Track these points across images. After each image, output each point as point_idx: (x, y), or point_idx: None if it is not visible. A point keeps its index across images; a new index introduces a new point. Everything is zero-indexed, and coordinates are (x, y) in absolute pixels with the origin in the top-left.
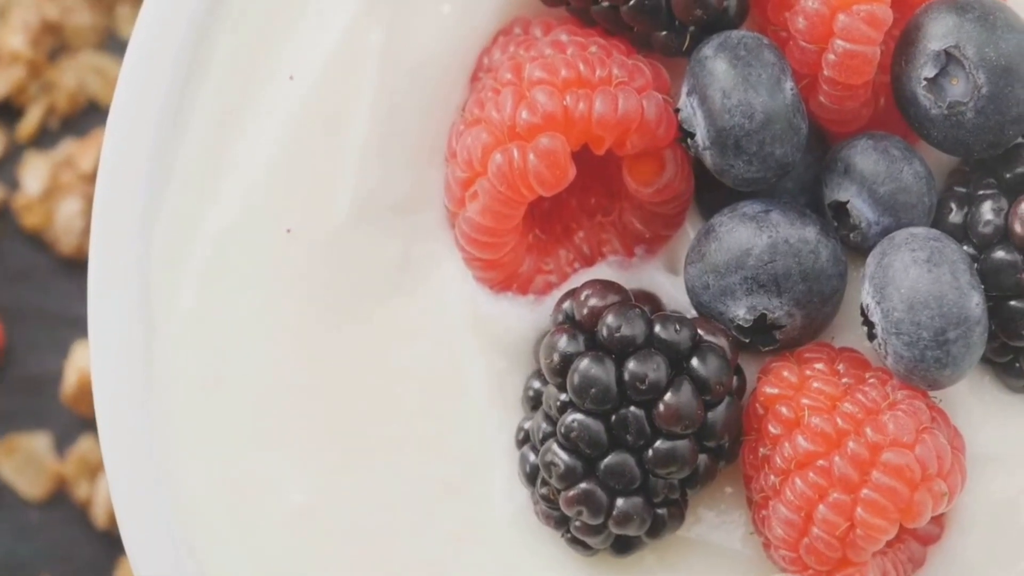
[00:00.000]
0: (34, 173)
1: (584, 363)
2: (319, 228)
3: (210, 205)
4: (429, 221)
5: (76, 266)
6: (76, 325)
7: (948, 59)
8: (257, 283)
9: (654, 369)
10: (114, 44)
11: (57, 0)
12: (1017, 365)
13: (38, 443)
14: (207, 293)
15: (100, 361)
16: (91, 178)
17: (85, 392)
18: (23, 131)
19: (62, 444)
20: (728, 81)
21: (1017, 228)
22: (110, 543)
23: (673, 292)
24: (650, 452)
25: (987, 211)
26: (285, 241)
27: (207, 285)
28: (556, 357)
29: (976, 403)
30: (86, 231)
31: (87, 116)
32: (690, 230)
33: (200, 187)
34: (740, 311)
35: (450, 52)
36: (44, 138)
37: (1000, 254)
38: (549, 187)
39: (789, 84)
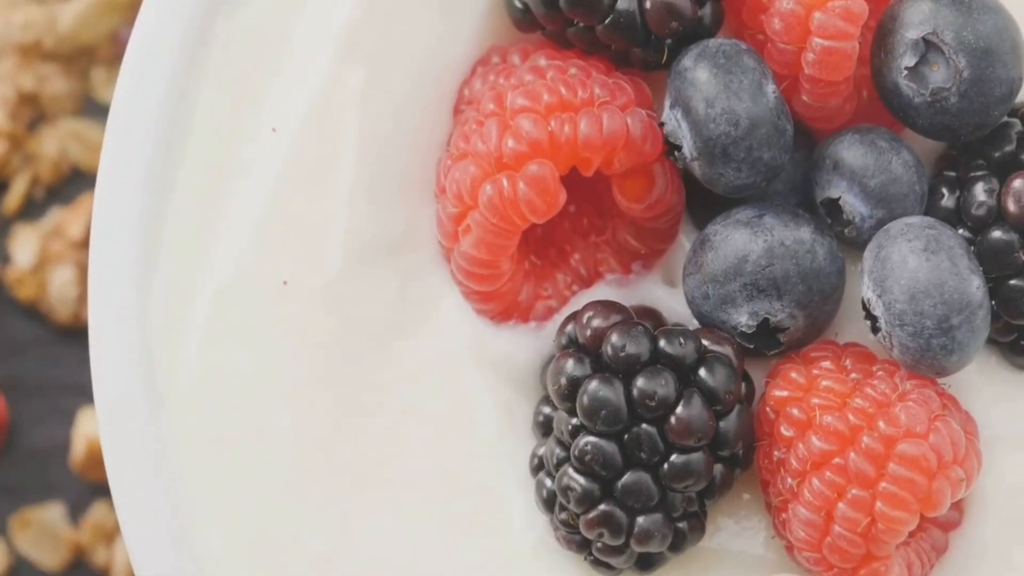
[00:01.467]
0: (24, 245)
1: (592, 386)
2: (315, 278)
3: (204, 264)
4: (424, 259)
5: (74, 334)
6: (80, 392)
7: (927, 46)
8: (258, 338)
9: (662, 385)
10: (92, 108)
11: (32, 70)
12: (1022, 343)
13: (51, 514)
14: (209, 352)
15: (109, 428)
16: (81, 245)
17: (95, 458)
18: (9, 204)
19: (76, 512)
20: (710, 90)
21: (1011, 206)
22: None
23: (674, 304)
24: (665, 467)
25: (979, 193)
26: (282, 294)
27: (208, 344)
28: (563, 382)
29: (985, 384)
30: (81, 298)
31: (72, 183)
32: (685, 241)
33: (193, 247)
34: (742, 318)
35: (430, 88)
36: (31, 209)
37: (996, 234)
38: (541, 214)
39: (771, 87)
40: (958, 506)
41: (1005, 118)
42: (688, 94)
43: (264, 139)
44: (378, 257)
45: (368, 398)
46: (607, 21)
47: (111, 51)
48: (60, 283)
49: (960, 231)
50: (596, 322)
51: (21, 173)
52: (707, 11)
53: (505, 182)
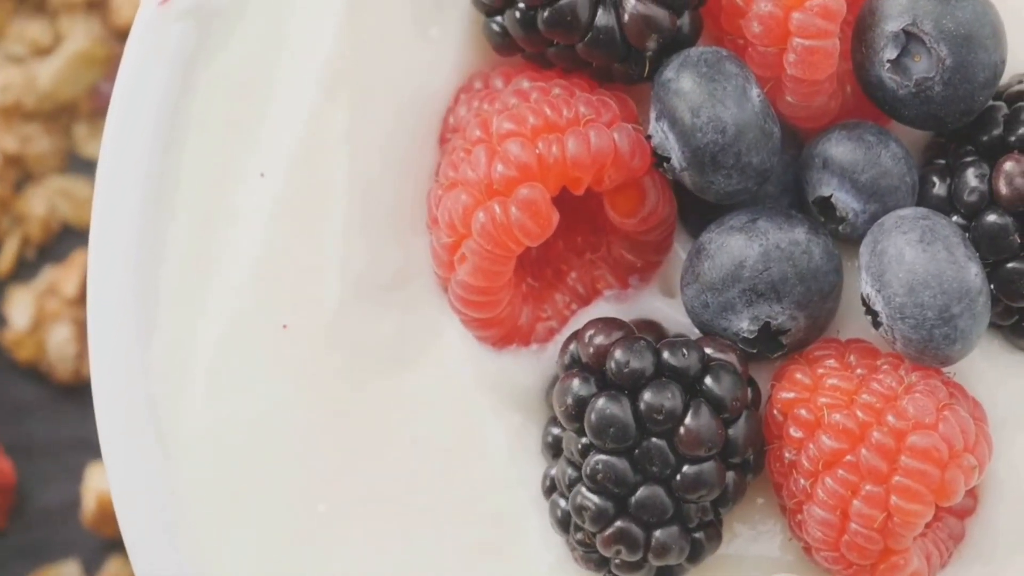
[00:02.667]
0: (19, 307)
1: (599, 404)
2: (315, 319)
3: (203, 313)
4: (421, 290)
5: (76, 391)
6: (86, 448)
7: (907, 38)
8: (262, 383)
9: (669, 398)
10: (77, 164)
11: (14, 131)
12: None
13: (67, 572)
14: (215, 401)
15: (119, 482)
16: (77, 302)
17: (107, 514)
18: (1, 267)
19: (91, 569)
20: (695, 99)
21: (1003, 188)
22: None
23: (674, 315)
24: (678, 479)
25: (970, 179)
26: (283, 337)
27: (213, 393)
28: (570, 402)
29: (989, 369)
30: (80, 355)
31: (63, 240)
32: (680, 251)
33: (190, 297)
34: (743, 324)
35: (415, 120)
36: (23, 270)
37: (991, 218)
38: (535, 237)
39: (755, 91)
40: (972, 493)
41: (990, 102)
42: (673, 105)
43: (253, 185)
44: (376, 292)
45: (376, 433)
46: (587, 39)
47: (92, 106)
48: (58, 342)
49: (954, 218)
50: (598, 340)
51: (11, 235)
52: (685, 20)
53: (497, 208)
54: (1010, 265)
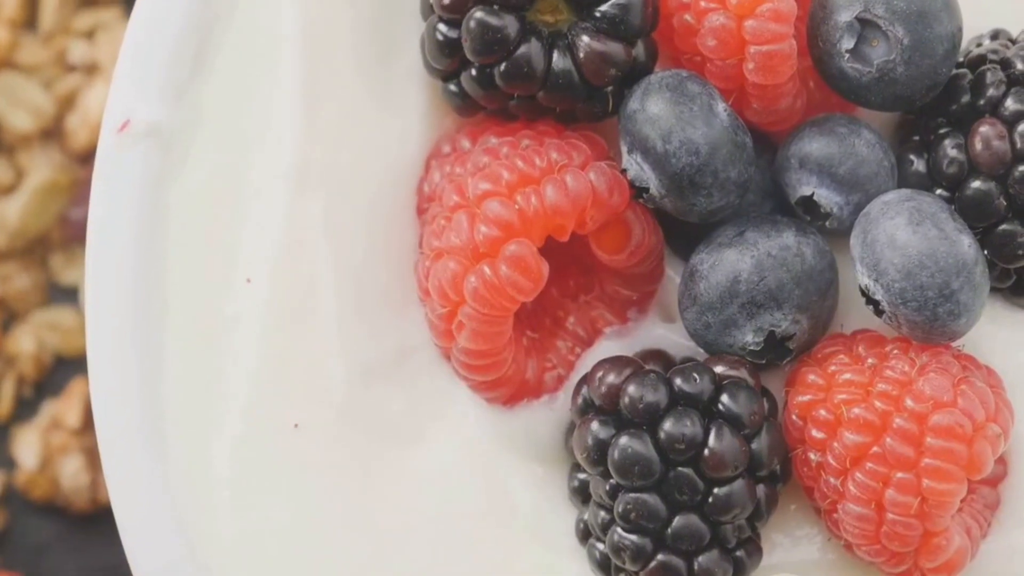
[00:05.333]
0: (26, 447)
1: (620, 444)
2: (324, 413)
3: (213, 426)
4: (424, 362)
5: (95, 518)
6: (115, 572)
7: (862, 24)
8: (284, 485)
9: (688, 426)
10: (58, 294)
11: None
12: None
13: None
14: (240, 510)
15: None
16: (82, 430)
17: None
18: (1, 411)
19: None
20: (664, 126)
21: (981, 153)
22: None
23: (677, 339)
24: (709, 503)
25: (947, 150)
26: (296, 436)
27: (238, 504)
28: (591, 447)
29: (996, 333)
30: (95, 483)
31: (58, 372)
32: (673, 275)
33: (197, 413)
34: (748, 337)
35: (390, 197)
36: (24, 409)
37: (974, 185)
38: (529, 292)
39: (721, 106)
40: (1001, 459)
41: (954, 71)
42: (643, 135)
43: (241, 292)
44: (380, 374)
45: (402, 512)
46: (546, 85)
47: (64, 234)
48: (71, 474)
49: (937, 192)
50: (609, 379)
51: (5, 377)
52: (640, 49)
53: (487, 270)
54: (1000, 228)
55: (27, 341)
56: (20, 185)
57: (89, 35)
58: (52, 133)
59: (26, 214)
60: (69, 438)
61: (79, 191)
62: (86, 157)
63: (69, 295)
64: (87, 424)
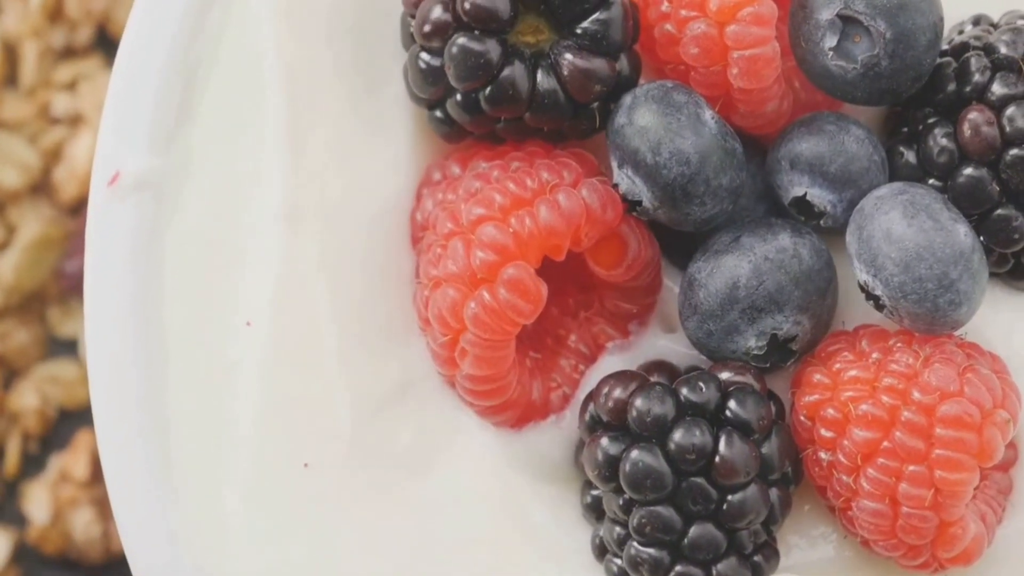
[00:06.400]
0: (36, 503)
1: (631, 459)
2: (333, 450)
3: (222, 472)
4: (429, 392)
5: (111, 567)
6: None
7: (843, 21)
8: (299, 526)
9: (697, 435)
10: (57, 347)
11: None
12: (1023, 262)
13: None
14: (258, 554)
15: None
16: (91, 482)
17: None
18: (8, 469)
19: None
20: (652, 138)
21: (968, 135)
22: None
23: (680, 348)
24: (724, 510)
25: (937, 140)
26: (307, 476)
27: (255, 548)
28: (601, 463)
29: (997, 317)
30: (107, 533)
31: (62, 425)
32: (672, 285)
33: (205, 459)
34: (751, 342)
35: (384, 229)
36: (31, 465)
37: (967, 172)
38: (529, 315)
39: (708, 114)
40: (1011, 444)
41: (938, 60)
42: (632, 148)
43: (241, 335)
44: (386, 407)
45: (419, 540)
46: (532, 107)
47: (59, 287)
48: (82, 526)
49: (930, 183)
50: (615, 395)
51: (10, 435)
52: (623, 63)
53: (486, 295)
54: (996, 214)
55: (29, 396)
56: (12, 241)
57: (71, 86)
58: (40, 187)
59: (20, 270)
60: (78, 491)
61: (71, 243)
62: (76, 208)
63: (68, 347)
64: (96, 475)
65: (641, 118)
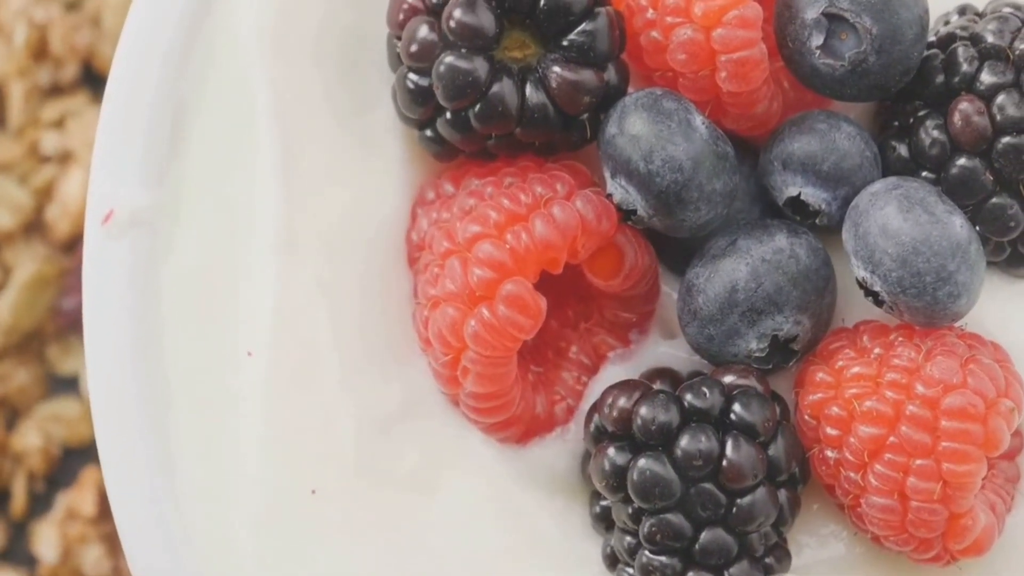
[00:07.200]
0: (45, 542)
1: (638, 468)
2: (340, 474)
3: (231, 501)
4: (433, 411)
5: None
6: None
7: (829, 19)
8: (308, 550)
9: (703, 441)
10: (58, 385)
11: None
12: (1021, 249)
13: None
14: None
15: None
16: (99, 518)
17: None
18: (16, 510)
19: None
20: (644, 146)
21: (962, 131)
22: None
23: (681, 354)
24: (733, 514)
25: (928, 132)
26: (315, 501)
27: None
28: (608, 474)
29: (996, 306)
30: (118, 568)
31: (67, 463)
32: (670, 292)
33: (213, 491)
34: (752, 344)
35: (380, 250)
36: (38, 505)
37: (960, 163)
38: (529, 330)
39: (699, 119)
40: (1017, 432)
41: (925, 52)
42: (625, 158)
43: (243, 365)
44: (391, 429)
45: (431, 559)
46: (522, 122)
47: (57, 324)
48: (92, 562)
49: (923, 175)
50: (620, 403)
51: (15, 475)
52: (611, 73)
53: (486, 312)
54: (990, 203)
55: (33, 436)
56: (8, 282)
57: (59, 124)
58: (34, 226)
59: (17, 310)
60: (87, 527)
61: (67, 281)
62: (70, 246)
63: (69, 384)
64: (104, 511)
65: (632, 127)
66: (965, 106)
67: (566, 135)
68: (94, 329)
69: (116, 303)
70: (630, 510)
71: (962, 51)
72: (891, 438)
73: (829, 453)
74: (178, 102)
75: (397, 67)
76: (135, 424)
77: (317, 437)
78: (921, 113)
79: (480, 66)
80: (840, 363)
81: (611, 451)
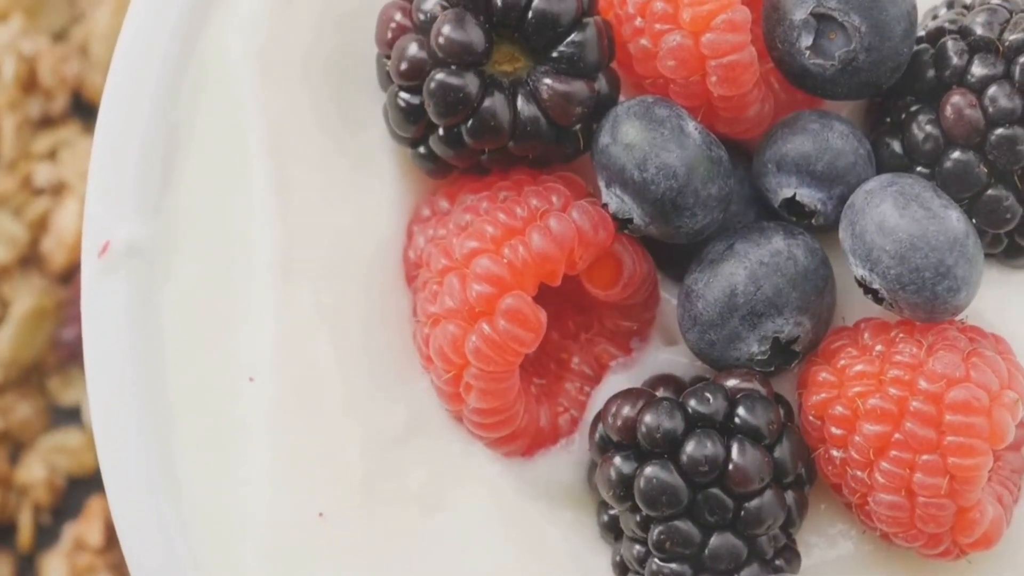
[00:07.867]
0: (53, 574)
1: (644, 477)
2: (346, 496)
3: (237, 528)
4: (437, 428)
5: None
6: None
7: (818, 19)
8: (317, 574)
9: (708, 447)
10: (60, 416)
11: None
12: (1018, 240)
13: None
14: None
15: None
16: (106, 548)
17: None
18: (22, 543)
19: None
20: (638, 155)
21: (955, 125)
22: None
23: (683, 360)
24: (741, 518)
25: (921, 127)
26: (322, 524)
27: None
28: (615, 483)
29: (995, 298)
30: None
31: (73, 494)
32: (669, 298)
33: (220, 520)
34: (754, 347)
35: (378, 271)
36: (45, 537)
37: (954, 156)
38: (530, 343)
39: (691, 125)
40: (1021, 423)
41: (915, 47)
42: (619, 167)
43: (245, 392)
44: (395, 448)
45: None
46: (515, 135)
47: (57, 356)
48: None
49: (918, 171)
50: (624, 412)
51: (20, 508)
52: (602, 83)
53: (486, 328)
54: (985, 195)
55: (37, 468)
56: (6, 315)
57: (51, 155)
58: (30, 259)
59: (17, 343)
60: (94, 558)
61: (65, 312)
62: (67, 277)
63: (71, 415)
64: (111, 540)
65: (625, 136)
66: (957, 99)
67: (559, 147)
68: (95, 361)
69: (115, 334)
70: (638, 518)
71: (952, 44)
72: (896, 435)
73: (835, 452)
74: (170, 131)
75: (387, 86)
76: (139, 453)
77: (322, 460)
78: (913, 108)
79: (471, 82)
80: (842, 362)
81: (617, 460)
